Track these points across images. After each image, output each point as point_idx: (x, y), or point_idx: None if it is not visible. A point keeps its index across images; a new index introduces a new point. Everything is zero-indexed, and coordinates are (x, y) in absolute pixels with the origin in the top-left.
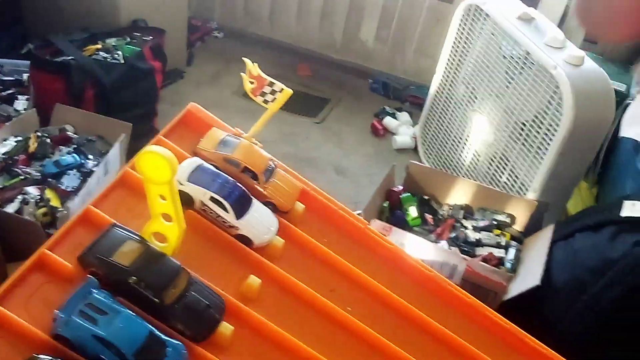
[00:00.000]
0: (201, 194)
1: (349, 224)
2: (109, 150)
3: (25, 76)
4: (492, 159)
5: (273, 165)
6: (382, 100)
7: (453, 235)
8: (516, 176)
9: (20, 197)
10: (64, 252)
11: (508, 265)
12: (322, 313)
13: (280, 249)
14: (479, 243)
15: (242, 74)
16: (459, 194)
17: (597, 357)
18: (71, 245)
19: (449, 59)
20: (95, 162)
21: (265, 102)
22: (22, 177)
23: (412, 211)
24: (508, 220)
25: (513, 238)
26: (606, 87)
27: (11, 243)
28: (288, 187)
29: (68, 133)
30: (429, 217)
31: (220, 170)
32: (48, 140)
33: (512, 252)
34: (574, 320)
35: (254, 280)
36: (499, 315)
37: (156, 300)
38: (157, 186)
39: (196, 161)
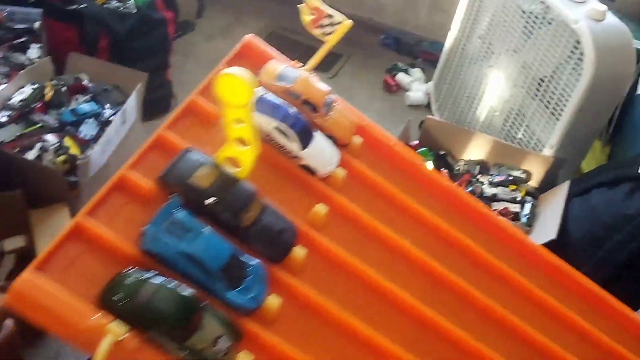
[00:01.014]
0: (266, 124)
1: (404, 159)
2: (125, 99)
3: (36, 24)
4: (507, 116)
5: (332, 98)
6: (394, 56)
7: (469, 189)
8: (532, 132)
9: (39, 144)
10: (140, 175)
11: (524, 219)
12: (384, 242)
13: (342, 180)
14: (494, 198)
15: (300, 5)
16: (475, 150)
17: None
18: (146, 168)
19: (465, 14)
20: (113, 111)
21: (324, 34)
22: (40, 125)
23: (429, 166)
24: (524, 176)
25: (528, 194)
26: (628, 43)
27: (32, 190)
28: (346, 120)
29: (83, 82)
30: (444, 172)
31: None
32: (64, 89)
33: (527, 207)
34: (589, 274)
35: (321, 208)
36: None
37: (234, 222)
38: (234, 109)
39: (259, 91)
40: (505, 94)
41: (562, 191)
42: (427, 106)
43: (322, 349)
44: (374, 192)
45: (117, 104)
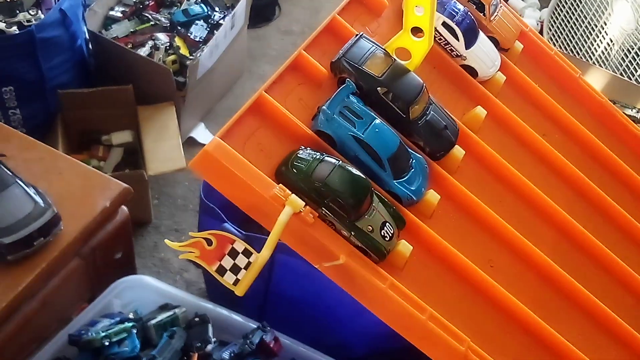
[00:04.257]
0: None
1: (562, 71)
2: (234, 3)
3: None
4: (628, 50)
5: (499, 0)
6: None
7: None
8: None
9: (150, 42)
10: (314, 57)
11: None
12: (536, 152)
13: (501, 85)
14: None
15: None
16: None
17: None
18: (320, 51)
19: None
20: (222, 15)
21: None
22: (152, 23)
23: None
24: (638, 115)
25: None
26: None
27: (141, 87)
28: (511, 24)
29: None
30: None
31: None
32: None
33: None
34: None
35: (480, 110)
36: None
37: (402, 114)
38: None
39: None
40: (630, 27)
41: None
42: (539, 34)
43: (473, 247)
44: (531, 102)
45: (226, 8)
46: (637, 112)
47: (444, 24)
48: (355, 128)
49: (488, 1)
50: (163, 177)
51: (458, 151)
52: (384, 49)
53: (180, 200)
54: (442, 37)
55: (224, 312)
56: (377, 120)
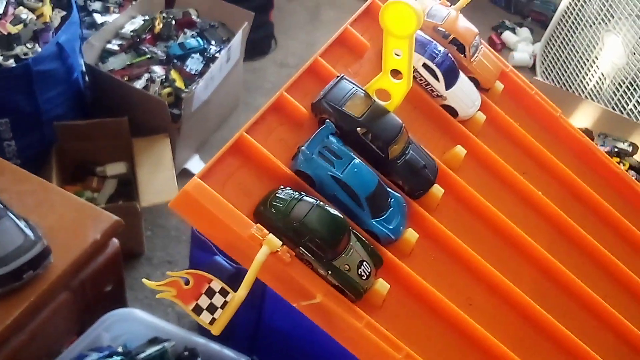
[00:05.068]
0: (414, 60)
1: (543, 110)
2: (230, 37)
3: None
4: (619, 84)
5: (479, 41)
6: (502, 13)
7: None
8: None
9: (146, 75)
10: (295, 98)
11: None
12: (516, 191)
13: (481, 124)
14: None
15: None
16: (580, 117)
17: None
18: (301, 93)
19: None
20: (218, 48)
21: None
22: (149, 56)
23: None
24: (630, 149)
25: (632, 167)
26: None
27: (137, 119)
28: (491, 65)
29: (192, 17)
30: None
31: None
32: (172, 22)
33: None
34: None
35: (460, 149)
36: None
37: (382, 153)
38: (396, 40)
39: None
40: (621, 62)
41: None
42: (531, 68)
43: (452, 285)
44: (511, 140)
45: (222, 41)
46: (629, 145)
47: (425, 66)
48: (334, 168)
49: (468, 43)
50: (157, 208)
51: (437, 190)
52: (365, 90)
53: (173, 232)
54: (422, 78)
55: (214, 346)
56: (356, 160)
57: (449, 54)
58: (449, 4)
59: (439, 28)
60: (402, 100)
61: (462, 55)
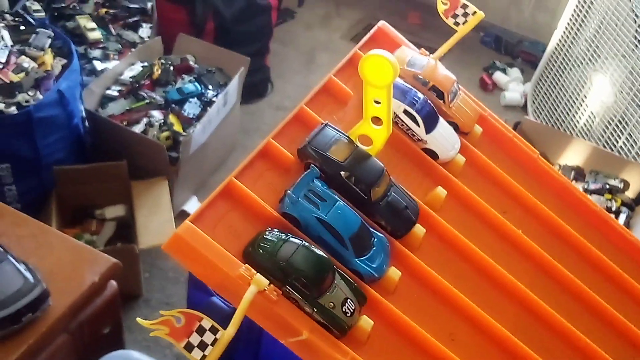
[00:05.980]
0: (395, 106)
1: (521, 152)
2: (227, 82)
3: (149, 4)
4: (609, 122)
5: (457, 87)
6: (492, 54)
7: None
8: (634, 141)
9: (145, 119)
10: (282, 144)
11: None
12: (496, 230)
13: (461, 166)
14: None
15: None
16: (571, 155)
17: None
18: (287, 139)
19: (572, 15)
20: (215, 93)
21: (456, 24)
22: (147, 101)
23: None
24: (621, 185)
25: (624, 204)
26: None
27: (135, 162)
28: (470, 109)
29: (190, 63)
30: None
31: None
32: (171, 68)
33: (622, 218)
34: None
35: (441, 190)
36: None
37: (365, 195)
38: (375, 89)
39: None
40: (609, 100)
41: None
42: (523, 107)
43: (435, 322)
44: (491, 181)
45: (219, 86)
46: (620, 182)
47: (405, 112)
48: (319, 210)
49: (447, 89)
50: (155, 250)
51: (419, 230)
52: (348, 136)
53: (171, 273)
54: (404, 124)
55: None
56: (340, 202)
57: (428, 101)
58: (428, 54)
59: (419, 76)
60: (383, 145)
61: (441, 101)
